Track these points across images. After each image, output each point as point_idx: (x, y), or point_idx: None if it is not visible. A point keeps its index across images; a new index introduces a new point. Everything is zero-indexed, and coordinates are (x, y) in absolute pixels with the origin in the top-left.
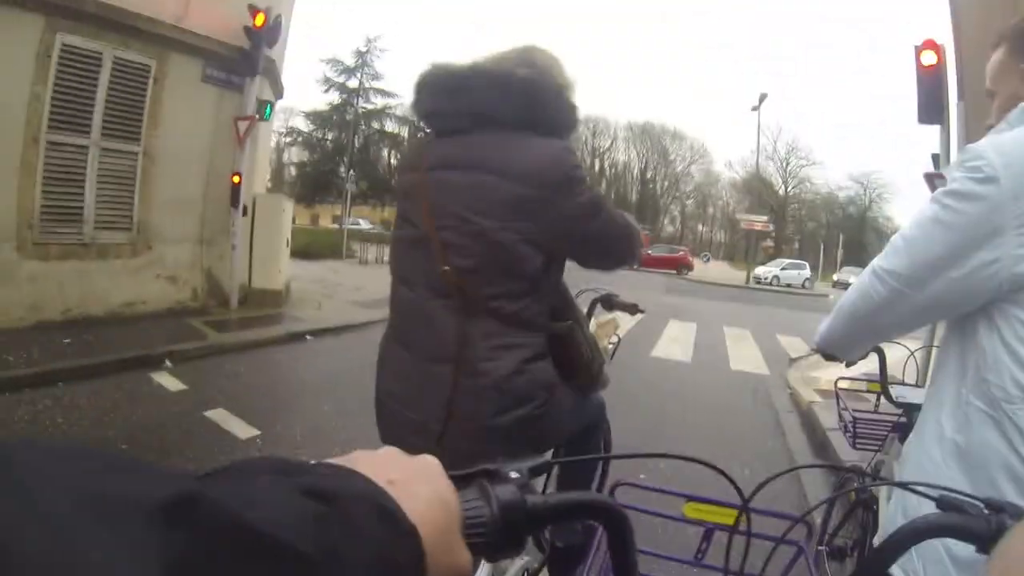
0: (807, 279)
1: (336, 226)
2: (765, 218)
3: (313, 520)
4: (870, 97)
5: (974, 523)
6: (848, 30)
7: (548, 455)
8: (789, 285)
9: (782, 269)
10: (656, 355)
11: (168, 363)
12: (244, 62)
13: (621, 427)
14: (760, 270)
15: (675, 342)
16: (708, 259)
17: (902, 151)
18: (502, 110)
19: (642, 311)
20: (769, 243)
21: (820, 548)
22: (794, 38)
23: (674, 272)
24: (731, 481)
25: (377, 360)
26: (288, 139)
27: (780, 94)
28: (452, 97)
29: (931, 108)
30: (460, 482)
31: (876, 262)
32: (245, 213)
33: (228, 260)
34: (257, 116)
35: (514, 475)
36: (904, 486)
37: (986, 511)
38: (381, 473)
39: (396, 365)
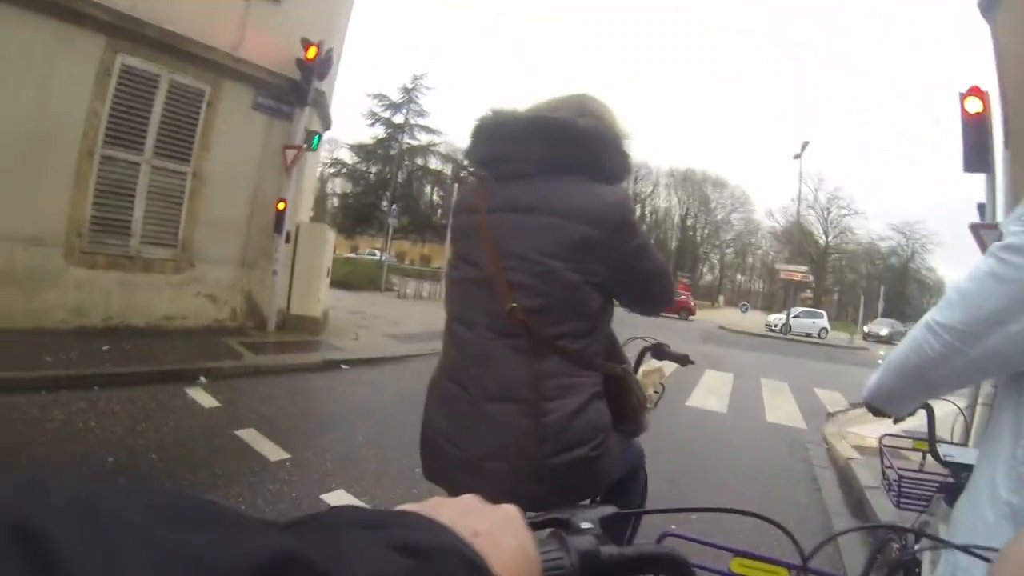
0: (823, 328)
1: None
2: (805, 268)
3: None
4: (913, 145)
5: None
6: (893, 74)
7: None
8: (809, 335)
9: (794, 317)
10: (692, 404)
11: (203, 379)
12: (294, 93)
13: (655, 474)
14: (772, 317)
15: (711, 392)
16: (747, 309)
17: (946, 201)
18: (567, 158)
19: (692, 362)
20: (808, 294)
21: None
22: (839, 86)
23: (676, 316)
24: (792, 539)
25: (427, 397)
26: (332, 170)
27: (823, 142)
28: (516, 144)
29: (977, 156)
30: (534, 529)
31: (930, 316)
32: (288, 240)
33: (268, 284)
34: (305, 146)
35: (586, 525)
36: (965, 548)
37: None
38: (467, 524)
39: (449, 403)
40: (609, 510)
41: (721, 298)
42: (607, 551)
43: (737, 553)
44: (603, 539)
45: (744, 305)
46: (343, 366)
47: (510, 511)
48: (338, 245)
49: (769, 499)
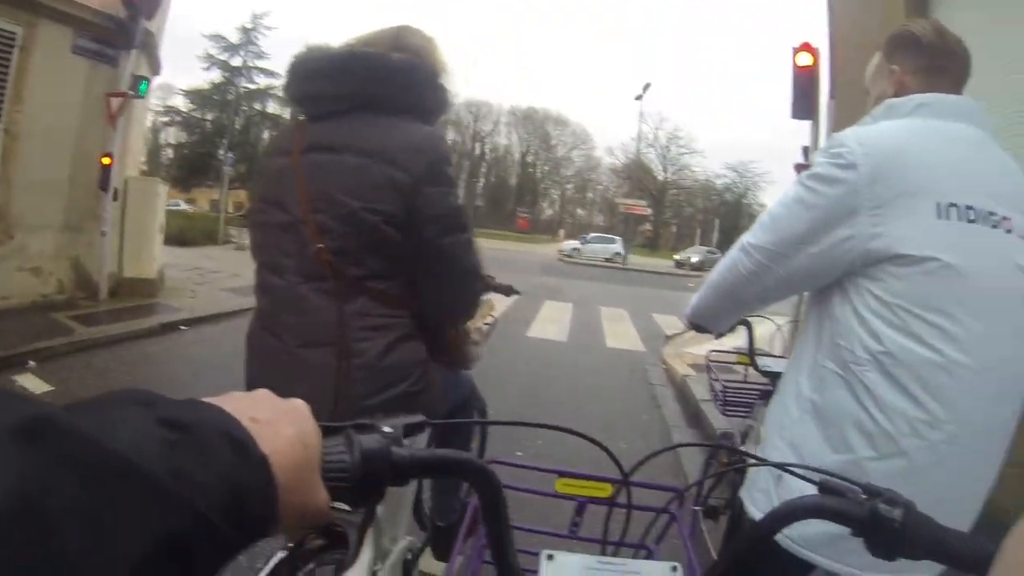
0: (617, 253)
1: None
2: (644, 203)
3: (164, 445)
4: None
5: (851, 508)
6: (735, 22)
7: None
8: (608, 260)
9: (584, 243)
10: (532, 335)
11: (32, 363)
12: (119, 34)
13: (497, 407)
14: (565, 244)
15: (551, 322)
16: (586, 242)
17: (778, 143)
18: (381, 93)
19: (517, 292)
20: (647, 227)
21: (695, 508)
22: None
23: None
24: (611, 455)
25: (246, 351)
26: (165, 119)
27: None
28: (332, 81)
29: (803, 105)
30: (332, 431)
31: (744, 238)
32: (116, 198)
33: (97, 248)
34: (131, 93)
35: (387, 430)
36: (785, 468)
37: (863, 496)
38: (246, 411)
39: (266, 354)
40: (416, 419)
41: (562, 232)
42: (399, 452)
43: (561, 474)
44: (398, 442)
45: (583, 238)
46: (182, 327)
47: (298, 404)
48: (173, 199)
49: (612, 419)
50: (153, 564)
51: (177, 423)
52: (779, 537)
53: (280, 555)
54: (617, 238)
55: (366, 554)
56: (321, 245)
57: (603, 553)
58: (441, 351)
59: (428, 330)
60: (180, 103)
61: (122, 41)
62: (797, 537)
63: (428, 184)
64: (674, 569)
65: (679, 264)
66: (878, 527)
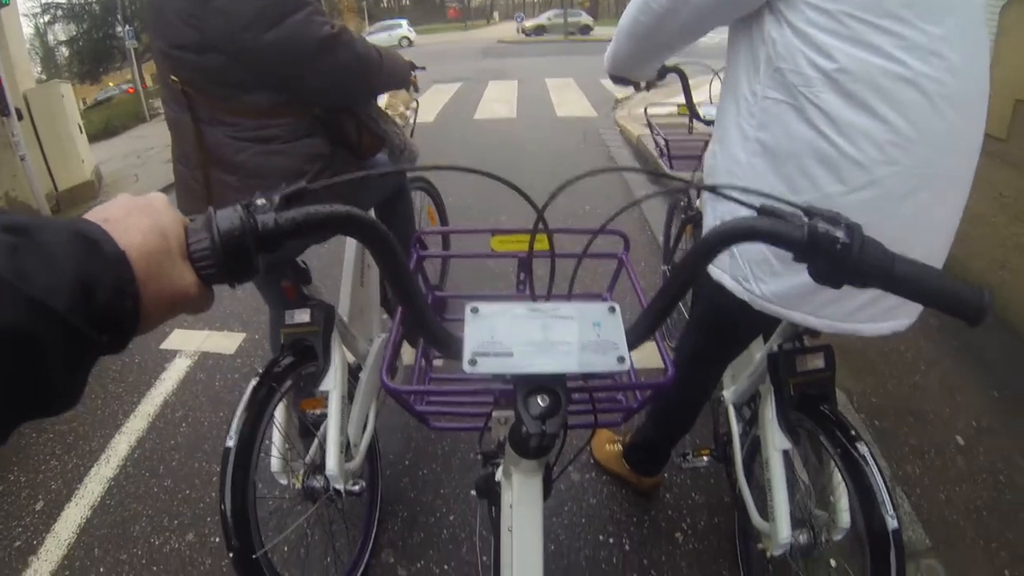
0: (403, 37)
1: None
2: None
3: (7, 248)
4: None
5: (789, 228)
6: None
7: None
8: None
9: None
10: (479, 118)
11: None
12: None
13: (455, 190)
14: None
15: (497, 102)
16: (523, 19)
17: None
18: None
19: (422, 68)
20: None
21: (664, 267)
22: None
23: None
24: (522, 195)
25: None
26: (47, 18)
27: None
28: None
29: None
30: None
31: None
32: (21, 117)
33: (22, 174)
34: None
35: (259, 203)
36: (724, 195)
37: (805, 217)
38: (99, 215)
39: (181, 181)
40: (296, 186)
41: (496, 14)
42: (263, 220)
43: (494, 232)
44: (266, 211)
45: (520, 16)
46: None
47: (154, 197)
48: (86, 93)
49: (572, 185)
50: (4, 354)
51: (19, 227)
52: (752, 298)
53: (253, 381)
54: (403, 22)
55: (338, 359)
56: (174, 77)
57: None
58: (348, 145)
59: (327, 126)
60: None
61: None
62: (769, 294)
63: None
64: (612, 310)
65: (525, 33)
66: (817, 248)
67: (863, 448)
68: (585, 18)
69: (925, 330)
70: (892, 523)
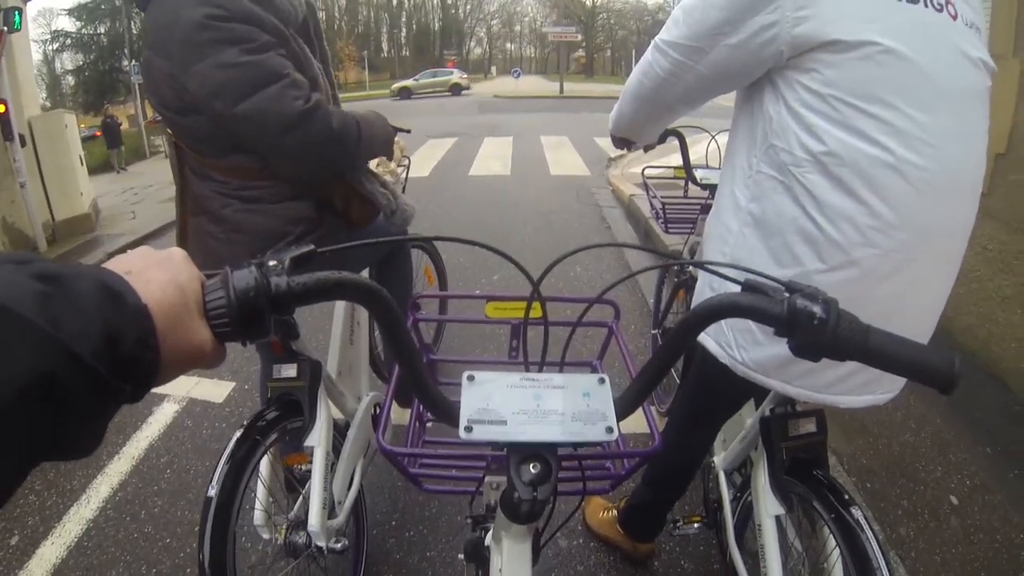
0: (454, 83)
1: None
2: (573, 29)
3: (38, 296)
4: None
5: (769, 304)
6: None
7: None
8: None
9: (416, 80)
10: (475, 174)
11: None
12: None
13: (446, 248)
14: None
15: (492, 158)
16: (519, 74)
17: None
18: None
19: (407, 130)
20: (580, 53)
21: (654, 331)
22: None
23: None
24: (517, 265)
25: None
26: (55, 46)
27: None
28: None
29: None
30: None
31: (658, 37)
32: (24, 143)
33: (20, 201)
34: (5, 28)
35: (271, 264)
36: (711, 270)
37: (786, 293)
38: (122, 266)
39: (184, 228)
40: (304, 248)
41: (494, 69)
42: (276, 282)
43: (490, 299)
44: (280, 273)
45: (516, 71)
46: (129, 251)
47: (174, 252)
48: (89, 124)
49: (563, 245)
50: (33, 401)
51: (51, 276)
52: (731, 362)
53: (238, 433)
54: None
55: (324, 416)
56: (169, 131)
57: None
58: (335, 211)
59: (313, 190)
60: (67, 24)
61: None
62: (750, 362)
63: (191, 62)
64: (601, 381)
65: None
66: (797, 323)
67: (857, 513)
68: (456, 76)
69: (914, 387)
70: None
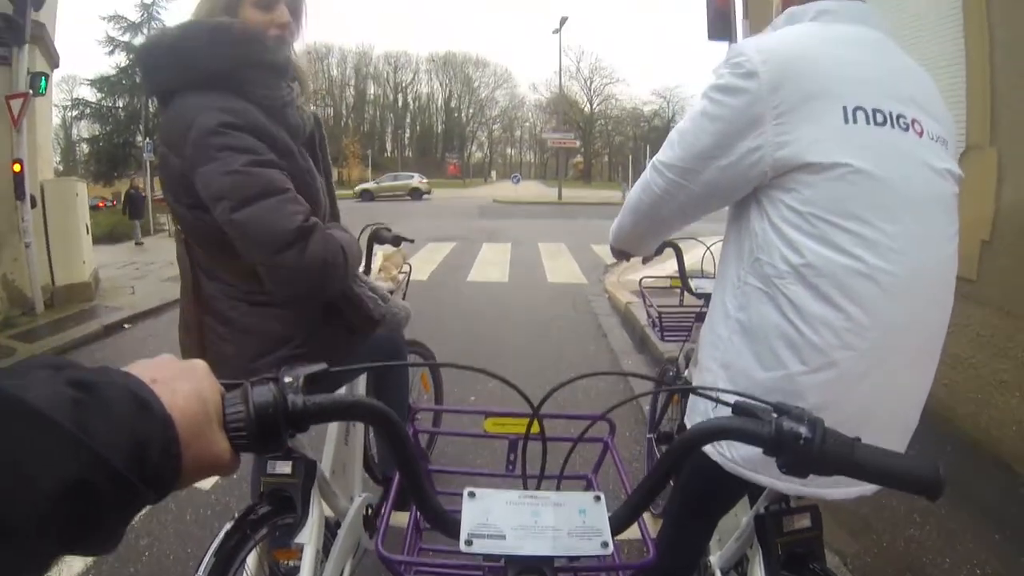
0: (414, 188)
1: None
2: (572, 135)
3: (72, 402)
4: (666, 14)
5: (757, 427)
6: None
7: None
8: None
9: (378, 183)
10: (473, 279)
11: None
12: (8, 30)
13: (439, 353)
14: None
15: (490, 264)
16: (519, 180)
17: (699, 65)
18: (190, 69)
19: (410, 240)
20: (579, 159)
21: (650, 436)
22: None
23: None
24: (518, 391)
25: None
26: (75, 113)
27: (581, 16)
28: (147, 66)
29: (719, 26)
30: (235, 387)
31: (656, 157)
32: (34, 204)
33: (24, 260)
34: (31, 92)
35: (287, 380)
36: (703, 395)
37: (774, 415)
38: (148, 374)
39: (194, 324)
40: (317, 367)
41: (494, 173)
42: (294, 400)
43: (488, 414)
44: (295, 390)
45: (515, 176)
46: (125, 325)
47: (197, 364)
48: (97, 194)
49: (560, 352)
50: (66, 503)
51: (84, 383)
52: (721, 460)
53: (228, 525)
54: (414, 175)
55: (316, 514)
56: (177, 227)
57: (540, 488)
58: (338, 313)
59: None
60: (87, 93)
61: (12, 37)
62: (738, 458)
63: (200, 163)
64: (597, 499)
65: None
66: (784, 444)
67: None
68: (415, 181)
69: None
70: None
